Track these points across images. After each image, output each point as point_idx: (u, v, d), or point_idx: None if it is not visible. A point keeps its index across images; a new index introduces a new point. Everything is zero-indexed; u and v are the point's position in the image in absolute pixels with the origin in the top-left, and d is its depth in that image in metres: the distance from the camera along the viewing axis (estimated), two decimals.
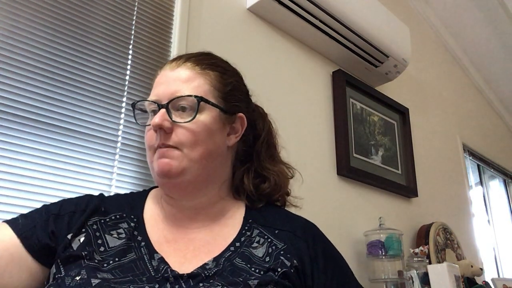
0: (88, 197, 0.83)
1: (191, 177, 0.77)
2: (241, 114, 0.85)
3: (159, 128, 0.76)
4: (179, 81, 0.79)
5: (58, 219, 0.76)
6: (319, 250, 0.79)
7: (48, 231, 0.74)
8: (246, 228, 0.80)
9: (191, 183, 0.78)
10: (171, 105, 0.77)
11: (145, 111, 0.83)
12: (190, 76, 0.80)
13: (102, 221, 0.78)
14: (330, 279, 0.77)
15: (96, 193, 0.89)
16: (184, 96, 0.77)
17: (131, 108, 0.84)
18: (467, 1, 2.92)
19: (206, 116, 0.78)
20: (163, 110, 0.76)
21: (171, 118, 0.76)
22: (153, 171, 0.79)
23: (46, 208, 0.79)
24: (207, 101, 0.79)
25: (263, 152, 0.90)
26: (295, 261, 0.74)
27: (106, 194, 0.86)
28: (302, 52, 1.88)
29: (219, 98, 0.81)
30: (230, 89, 0.84)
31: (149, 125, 0.79)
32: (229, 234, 0.79)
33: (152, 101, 0.79)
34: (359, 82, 2.08)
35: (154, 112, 0.79)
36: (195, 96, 0.77)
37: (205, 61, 0.84)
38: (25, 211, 0.99)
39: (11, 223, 0.75)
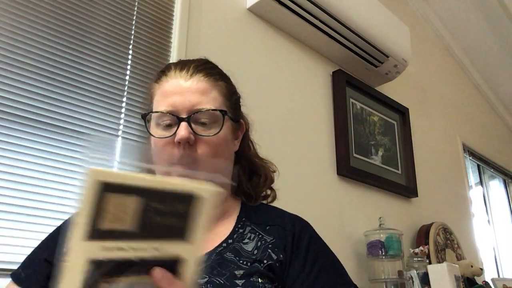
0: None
1: None
2: (242, 120, 0.88)
3: (183, 142, 0.75)
4: (197, 93, 0.78)
5: (52, 255, 0.76)
6: (303, 242, 0.79)
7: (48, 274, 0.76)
8: (240, 225, 0.81)
9: None
10: (192, 117, 0.76)
11: (148, 120, 0.82)
12: (207, 87, 0.79)
13: None
14: (308, 270, 0.76)
15: None
16: (209, 110, 0.77)
17: (142, 119, 0.81)
18: (467, 1, 2.92)
19: (224, 128, 0.79)
20: (185, 124, 0.75)
21: (193, 131, 0.76)
22: None
23: (41, 250, 0.80)
24: (228, 115, 0.80)
25: (251, 149, 0.92)
26: (281, 255, 0.75)
27: None
28: (302, 52, 1.88)
29: (229, 108, 0.82)
30: (236, 98, 0.87)
31: (167, 137, 0.76)
32: (224, 232, 0.80)
33: (167, 113, 0.76)
34: (359, 82, 2.08)
35: (168, 123, 0.77)
36: (220, 111, 0.78)
37: (213, 70, 0.84)
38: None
39: (16, 278, 0.77)
